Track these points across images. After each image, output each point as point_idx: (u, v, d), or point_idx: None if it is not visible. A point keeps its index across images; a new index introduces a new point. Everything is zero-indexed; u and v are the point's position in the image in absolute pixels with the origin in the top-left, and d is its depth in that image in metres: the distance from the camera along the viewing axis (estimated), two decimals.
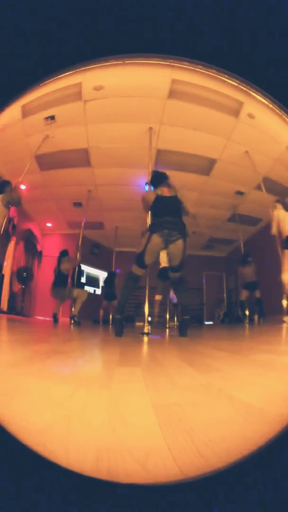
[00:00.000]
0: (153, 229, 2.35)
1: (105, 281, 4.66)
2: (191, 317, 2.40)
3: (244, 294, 4.04)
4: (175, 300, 3.82)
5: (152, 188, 2.61)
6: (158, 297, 3.73)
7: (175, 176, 3.78)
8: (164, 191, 2.53)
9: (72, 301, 3.80)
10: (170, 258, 2.42)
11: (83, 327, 3.56)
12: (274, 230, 3.01)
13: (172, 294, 3.81)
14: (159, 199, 2.50)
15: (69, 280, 4.01)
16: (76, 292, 3.85)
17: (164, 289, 3.57)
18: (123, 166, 3.67)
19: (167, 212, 2.40)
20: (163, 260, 2.97)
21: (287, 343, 1.87)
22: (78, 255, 4.15)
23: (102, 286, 4.88)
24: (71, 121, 3.05)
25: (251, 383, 0.73)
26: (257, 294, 3.92)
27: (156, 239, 2.31)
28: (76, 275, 4.16)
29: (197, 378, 0.78)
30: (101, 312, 4.62)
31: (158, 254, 2.43)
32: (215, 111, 2.85)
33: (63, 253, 4.04)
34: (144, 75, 2.60)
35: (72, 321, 3.71)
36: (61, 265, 3.84)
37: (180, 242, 2.32)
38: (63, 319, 3.90)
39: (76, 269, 4.15)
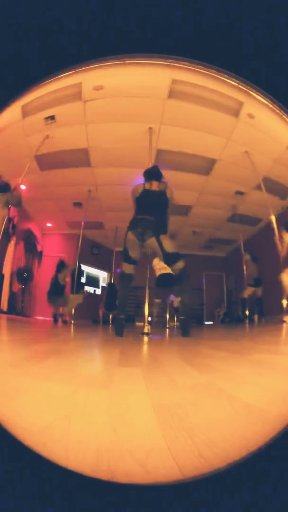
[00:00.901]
0: (129, 226, 2.39)
1: (107, 291, 4.70)
2: (191, 317, 2.40)
3: (248, 291, 4.04)
4: (175, 303, 3.83)
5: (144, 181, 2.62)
6: (157, 300, 3.73)
7: (175, 176, 3.79)
8: (153, 185, 2.53)
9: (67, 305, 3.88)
10: (156, 251, 2.42)
11: (83, 327, 3.56)
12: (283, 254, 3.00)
13: (172, 297, 3.81)
14: (144, 192, 2.51)
15: (66, 287, 4.09)
16: (70, 297, 3.92)
17: (163, 294, 3.58)
18: (123, 166, 3.67)
19: (147, 209, 2.41)
20: (157, 268, 2.98)
21: (287, 343, 1.87)
22: (74, 260, 4.20)
23: (102, 287, 4.88)
24: (71, 121, 3.05)
25: (251, 383, 0.72)
26: (259, 293, 3.92)
27: (130, 236, 2.36)
28: (75, 279, 4.21)
29: (197, 378, 0.78)
30: (101, 312, 4.63)
31: (140, 249, 2.43)
32: (215, 111, 2.85)
33: (61, 264, 4.10)
34: (144, 75, 2.60)
35: (60, 320, 3.83)
36: (58, 275, 3.93)
37: (152, 241, 2.31)
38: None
39: (75, 274, 4.20)
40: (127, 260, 2.38)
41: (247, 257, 4.06)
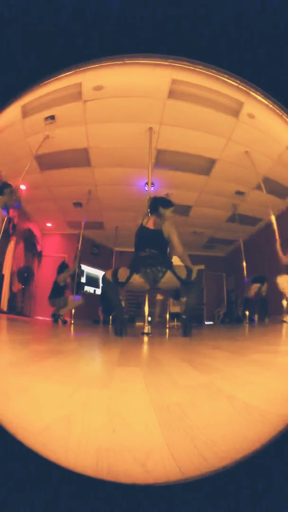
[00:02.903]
0: (132, 266, 2.20)
1: (100, 295, 4.72)
2: (193, 317, 2.39)
3: (253, 289, 4.03)
4: (175, 309, 3.83)
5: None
6: (159, 297, 3.73)
7: (175, 176, 3.80)
8: (150, 222, 2.33)
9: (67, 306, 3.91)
10: (170, 287, 2.29)
11: (83, 327, 3.57)
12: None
13: (173, 302, 3.82)
14: (140, 230, 2.33)
15: (67, 288, 4.12)
16: (70, 299, 3.95)
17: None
18: (123, 166, 3.67)
19: (148, 244, 2.22)
20: None
21: (287, 343, 1.87)
22: (75, 262, 4.23)
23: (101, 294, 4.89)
24: (71, 121, 3.05)
25: (251, 383, 0.72)
26: (264, 292, 3.92)
27: (137, 279, 2.16)
28: (75, 282, 4.25)
29: (197, 378, 0.78)
30: (101, 312, 4.64)
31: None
32: (215, 111, 2.85)
33: (62, 266, 4.13)
34: (144, 75, 2.60)
35: (60, 320, 3.85)
36: (57, 276, 3.96)
37: (169, 274, 2.15)
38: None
39: (75, 277, 4.24)
40: (115, 280, 2.19)
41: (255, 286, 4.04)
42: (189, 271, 2.20)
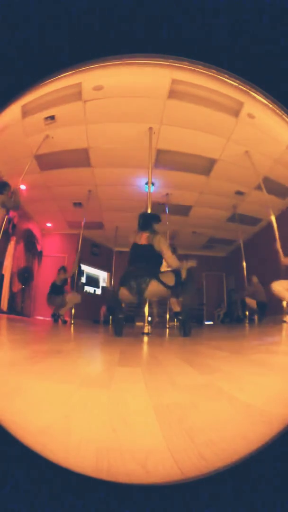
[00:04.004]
0: (121, 281, 2.26)
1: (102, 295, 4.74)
2: (191, 317, 2.39)
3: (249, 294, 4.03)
4: (174, 307, 3.82)
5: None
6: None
7: (175, 176, 3.79)
8: (142, 238, 2.36)
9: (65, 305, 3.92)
10: (158, 297, 2.36)
11: (83, 327, 3.57)
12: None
13: (173, 301, 3.81)
14: (133, 247, 2.37)
15: (65, 288, 4.14)
16: (68, 297, 3.96)
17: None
18: (123, 166, 3.67)
19: (138, 259, 2.27)
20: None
21: (287, 343, 1.87)
22: (75, 264, 4.25)
23: (102, 288, 4.90)
24: (71, 121, 3.05)
25: (251, 383, 0.72)
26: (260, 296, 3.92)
27: (125, 293, 2.21)
28: (75, 281, 4.26)
29: (197, 378, 0.78)
30: (102, 312, 4.64)
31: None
32: (215, 111, 2.85)
33: (61, 269, 4.16)
34: (144, 75, 2.60)
35: (60, 320, 3.87)
36: (56, 277, 3.97)
37: (154, 283, 2.17)
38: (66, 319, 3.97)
39: (75, 277, 4.25)
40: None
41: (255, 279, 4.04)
42: (177, 272, 2.22)
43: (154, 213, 2.55)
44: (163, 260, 2.35)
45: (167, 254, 2.32)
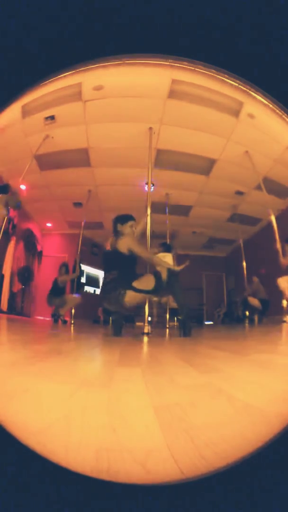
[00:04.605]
0: (100, 295, 2.21)
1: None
2: (190, 317, 2.39)
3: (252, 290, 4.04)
4: (170, 304, 3.82)
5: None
6: (154, 299, 3.72)
7: (175, 176, 3.79)
8: (108, 244, 2.26)
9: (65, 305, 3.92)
10: (140, 304, 2.27)
11: (83, 327, 3.57)
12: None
13: (166, 300, 3.80)
14: (103, 254, 2.29)
15: (66, 289, 4.13)
16: (68, 298, 3.96)
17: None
18: (123, 166, 3.67)
19: (106, 268, 2.19)
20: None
21: (287, 343, 1.87)
22: (77, 267, 4.24)
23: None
24: (71, 121, 3.05)
25: (251, 383, 0.72)
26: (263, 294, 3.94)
27: (106, 305, 2.19)
28: (75, 283, 4.25)
29: (197, 378, 0.78)
30: (99, 312, 4.64)
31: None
32: (215, 111, 2.85)
33: (63, 266, 4.13)
34: (144, 75, 2.60)
35: (60, 320, 3.85)
36: (58, 277, 3.95)
37: (130, 293, 2.06)
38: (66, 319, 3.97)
39: (75, 280, 4.25)
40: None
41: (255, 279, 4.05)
42: (157, 273, 2.13)
43: (123, 214, 2.36)
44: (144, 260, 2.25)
45: (141, 251, 2.19)
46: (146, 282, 2.10)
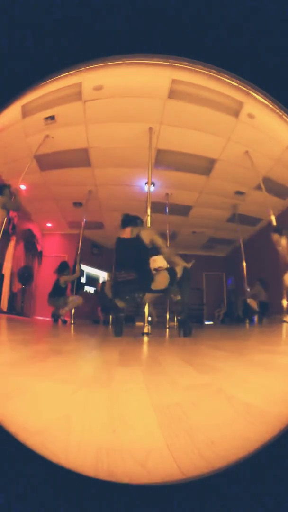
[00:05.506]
0: (112, 291, 2.19)
1: (98, 296, 4.70)
2: (190, 317, 2.38)
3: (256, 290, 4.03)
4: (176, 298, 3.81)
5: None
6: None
7: (175, 176, 3.79)
8: (125, 233, 2.26)
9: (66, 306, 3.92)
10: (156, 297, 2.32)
11: (83, 327, 3.57)
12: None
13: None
14: (118, 242, 2.26)
15: (67, 290, 4.12)
16: (70, 299, 3.95)
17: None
18: (123, 166, 3.67)
19: (125, 264, 2.15)
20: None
21: (287, 343, 1.87)
22: (77, 267, 4.23)
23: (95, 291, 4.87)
24: (71, 121, 3.05)
25: (251, 383, 0.72)
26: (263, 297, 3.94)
27: (120, 303, 2.18)
28: (75, 282, 4.25)
29: (197, 378, 0.78)
30: (99, 312, 4.64)
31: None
32: (215, 111, 2.85)
33: (63, 265, 4.11)
34: (144, 75, 2.60)
35: (60, 320, 3.86)
36: (59, 278, 3.95)
37: (148, 294, 2.16)
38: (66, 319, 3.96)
39: (75, 281, 4.24)
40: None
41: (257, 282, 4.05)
42: (172, 271, 2.19)
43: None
44: (153, 258, 2.27)
45: (163, 247, 2.24)
46: (161, 282, 2.17)
